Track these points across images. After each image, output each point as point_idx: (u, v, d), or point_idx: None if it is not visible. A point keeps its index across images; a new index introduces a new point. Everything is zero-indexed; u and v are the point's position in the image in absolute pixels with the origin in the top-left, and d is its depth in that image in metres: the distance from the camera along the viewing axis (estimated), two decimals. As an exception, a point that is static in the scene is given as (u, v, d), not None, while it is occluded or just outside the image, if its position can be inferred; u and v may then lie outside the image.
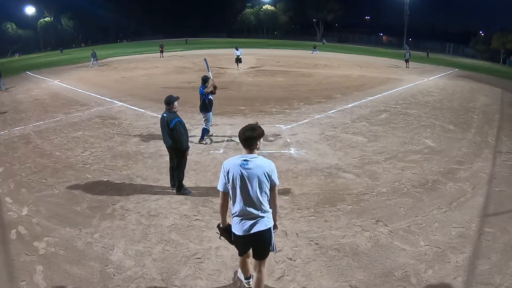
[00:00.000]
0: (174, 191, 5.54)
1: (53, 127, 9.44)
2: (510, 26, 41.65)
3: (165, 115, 5.24)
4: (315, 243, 4.24)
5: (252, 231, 2.90)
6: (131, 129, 9.11)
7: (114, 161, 6.90)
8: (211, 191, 5.60)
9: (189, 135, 5.69)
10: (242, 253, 3.15)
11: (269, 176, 2.88)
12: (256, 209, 2.89)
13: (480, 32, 49.72)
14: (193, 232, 4.50)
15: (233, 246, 3.26)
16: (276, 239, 4.27)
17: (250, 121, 9.86)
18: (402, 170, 6.51)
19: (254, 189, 2.85)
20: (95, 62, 24.06)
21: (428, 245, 4.23)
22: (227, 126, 9.11)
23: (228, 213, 3.15)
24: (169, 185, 5.66)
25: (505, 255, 4.07)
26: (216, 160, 6.91)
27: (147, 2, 68.73)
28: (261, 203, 2.89)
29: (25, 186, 5.89)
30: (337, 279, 3.66)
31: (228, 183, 2.91)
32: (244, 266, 3.37)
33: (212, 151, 7.39)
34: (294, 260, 3.93)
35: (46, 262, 3.94)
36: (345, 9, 66.37)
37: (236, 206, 2.94)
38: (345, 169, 6.50)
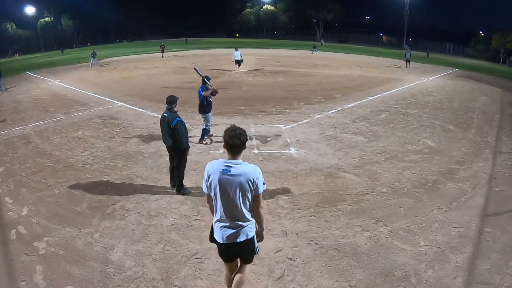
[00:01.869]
0: (174, 191, 5.54)
1: (53, 127, 9.44)
2: (510, 26, 41.85)
3: (166, 114, 5.25)
4: (315, 243, 4.24)
5: (232, 241, 2.76)
6: (131, 129, 9.11)
7: (114, 161, 6.90)
8: (211, 191, 5.59)
9: (189, 135, 5.69)
10: (226, 260, 3.00)
11: (253, 184, 2.65)
12: (236, 219, 2.72)
13: (480, 32, 49.75)
14: (193, 232, 4.50)
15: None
16: (276, 239, 4.31)
17: (250, 121, 9.86)
18: (402, 170, 6.51)
19: (235, 197, 2.65)
20: (94, 62, 24.05)
21: (428, 245, 4.23)
22: (227, 126, 9.10)
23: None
24: (169, 185, 5.66)
25: (505, 255, 4.07)
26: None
27: (147, 2, 68.82)
28: (242, 212, 2.70)
29: (25, 186, 5.89)
30: (337, 279, 3.66)
31: (209, 188, 2.74)
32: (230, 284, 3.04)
33: (212, 151, 7.39)
34: (294, 260, 3.93)
35: (46, 262, 3.94)
36: (345, 9, 66.49)
37: (217, 213, 2.78)
38: (345, 169, 6.49)
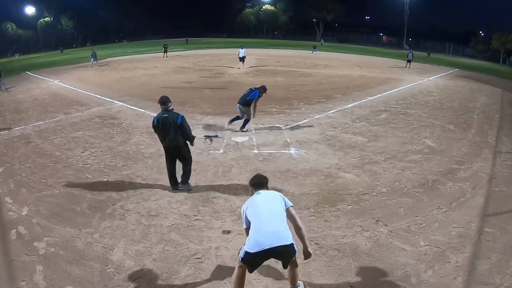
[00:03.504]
0: (174, 190, 5.55)
1: (53, 127, 9.44)
2: (510, 26, 41.72)
3: (166, 115, 5.21)
4: (315, 243, 4.24)
5: (273, 246, 2.94)
6: (131, 129, 9.10)
7: (114, 161, 6.90)
8: (211, 191, 5.60)
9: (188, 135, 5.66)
10: (254, 268, 3.16)
11: (283, 198, 3.25)
12: (276, 226, 3.03)
13: (480, 32, 49.73)
14: (193, 232, 4.50)
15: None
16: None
17: (250, 121, 9.85)
18: (402, 170, 6.51)
19: (272, 210, 3.12)
20: (95, 62, 24.04)
21: (428, 245, 4.23)
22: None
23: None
24: (169, 185, 5.66)
25: (505, 255, 4.07)
26: (216, 160, 6.90)
27: (147, 2, 68.78)
28: (280, 223, 3.06)
29: (25, 186, 5.89)
30: (337, 279, 3.66)
31: (248, 219, 3.15)
32: (239, 285, 3.19)
33: (212, 151, 7.39)
34: (294, 260, 3.93)
35: (46, 262, 3.94)
36: (345, 9, 66.45)
37: (258, 231, 3.03)
38: (345, 169, 6.49)
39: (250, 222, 3.11)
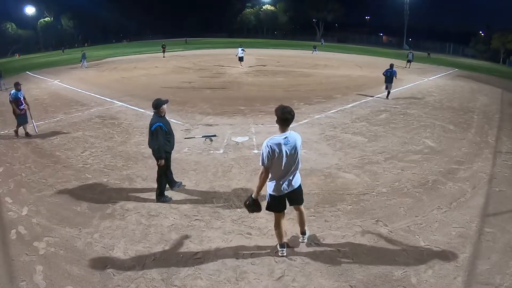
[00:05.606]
0: (174, 190, 5.55)
1: (53, 127, 9.45)
2: (510, 26, 41.62)
3: (152, 118, 5.08)
4: (315, 243, 4.24)
5: (290, 189, 3.67)
6: (131, 129, 9.10)
7: (114, 161, 6.90)
8: (211, 191, 5.60)
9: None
10: (282, 209, 3.80)
11: (299, 145, 3.63)
12: (294, 170, 3.63)
13: (480, 32, 49.71)
14: (193, 232, 4.50)
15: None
16: (276, 239, 4.31)
17: (250, 121, 9.86)
18: (402, 170, 6.51)
19: (294, 155, 3.55)
20: (84, 63, 24.03)
21: (428, 245, 4.23)
22: (227, 126, 9.11)
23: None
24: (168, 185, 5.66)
25: (505, 255, 4.07)
26: (216, 160, 6.90)
27: (147, 2, 68.81)
28: (298, 164, 3.64)
29: (25, 186, 5.89)
30: (337, 279, 3.66)
31: (272, 158, 3.48)
32: (279, 229, 3.90)
33: (212, 151, 7.39)
34: (294, 260, 3.93)
35: (46, 262, 3.94)
36: (345, 9, 66.42)
37: (280, 173, 3.57)
38: (345, 169, 6.49)
39: (270, 163, 3.49)
